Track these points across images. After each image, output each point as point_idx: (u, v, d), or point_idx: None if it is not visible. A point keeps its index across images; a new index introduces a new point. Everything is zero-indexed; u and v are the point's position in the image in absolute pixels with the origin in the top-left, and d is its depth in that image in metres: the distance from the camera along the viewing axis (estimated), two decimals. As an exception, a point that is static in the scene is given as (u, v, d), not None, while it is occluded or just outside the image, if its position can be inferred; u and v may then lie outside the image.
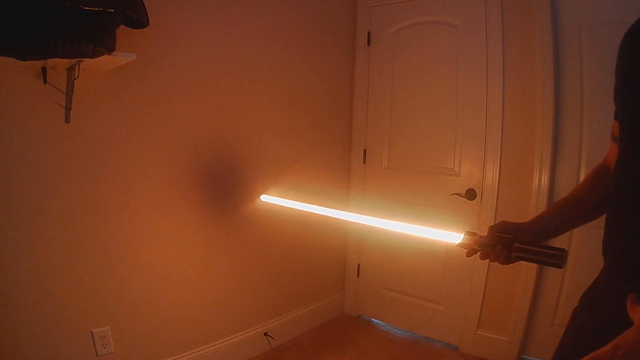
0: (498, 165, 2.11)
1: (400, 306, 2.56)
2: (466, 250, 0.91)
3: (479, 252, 0.88)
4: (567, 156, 1.99)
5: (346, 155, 2.66)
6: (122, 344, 1.68)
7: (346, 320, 2.72)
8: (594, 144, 1.91)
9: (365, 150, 2.62)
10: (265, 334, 2.24)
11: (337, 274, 2.75)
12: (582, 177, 1.95)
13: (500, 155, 2.10)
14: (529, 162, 2.03)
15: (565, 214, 0.90)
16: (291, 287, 2.41)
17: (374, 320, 2.71)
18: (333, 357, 2.24)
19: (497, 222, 0.89)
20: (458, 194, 2.22)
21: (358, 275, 2.74)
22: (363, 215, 1.40)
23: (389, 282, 2.60)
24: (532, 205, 2.02)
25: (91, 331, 1.59)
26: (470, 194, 2.19)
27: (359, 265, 2.73)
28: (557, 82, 1.95)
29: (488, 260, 0.86)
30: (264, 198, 2.06)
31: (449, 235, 1.01)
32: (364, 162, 2.63)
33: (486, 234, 0.87)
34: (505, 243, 0.83)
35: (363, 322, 2.70)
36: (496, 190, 2.12)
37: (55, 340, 1.50)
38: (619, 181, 0.74)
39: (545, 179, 1.99)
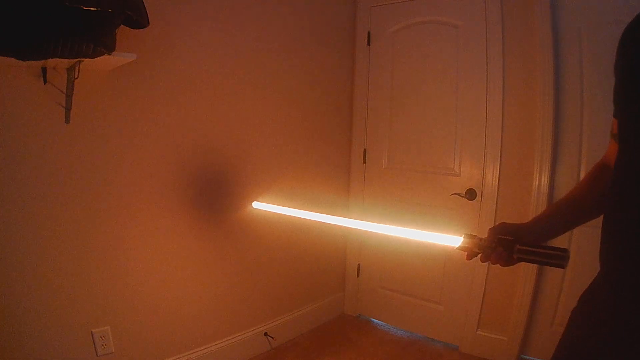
0: (498, 165, 2.11)
1: (400, 306, 2.56)
2: (466, 253, 0.90)
3: (479, 255, 0.87)
4: (567, 156, 1.99)
5: (346, 155, 2.66)
6: (122, 344, 1.68)
7: (346, 320, 2.72)
8: (594, 143, 1.91)
9: (365, 150, 2.62)
10: (265, 334, 2.24)
11: (337, 274, 2.75)
12: (582, 177, 1.94)
13: (500, 155, 2.10)
14: (529, 162, 2.03)
15: (566, 213, 0.89)
16: (291, 287, 2.41)
17: (374, 320, 2.71)
18: (333, 357, 2.24)
19: (497, 223, 0.87)
20: (458, 194, 2.22)
21: (358, 276, 2.74)
22: (359, 221, 1.37)
23: (389, 282, 2.60)
24: (532, 205, 2.02)
25: (91, 331, 1.59)
26: (470, 194, 2.19)
27: (359, 265, 2.73)
28: (557, 82, 1.95)
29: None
30: (256, 205, 2.03)
31: (448, 239, 1.00)
32: (364, 162, 2.63)
33: (486, 236, 0.86)
34: (506, 245, 0.82)
35: (363, 322, 2.70)
36: (496, 190, 2.12)
37: (55, 340, 1.50)
38: (619, 180, 0.73)
39: (545, 179, 1.99)
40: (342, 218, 1.44)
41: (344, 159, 2.66)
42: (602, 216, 0.79)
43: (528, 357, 2.15)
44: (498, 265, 0.84)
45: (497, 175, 2.12)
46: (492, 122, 2.11)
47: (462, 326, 2.31)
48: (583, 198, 0.89)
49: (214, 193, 1.95)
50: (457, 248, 0.93)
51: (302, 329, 2.49)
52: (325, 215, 1.49)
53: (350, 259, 2.76)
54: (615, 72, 0.75)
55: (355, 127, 2.64)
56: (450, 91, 2.24)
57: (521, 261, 0.82)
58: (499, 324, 2.18)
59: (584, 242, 1.91)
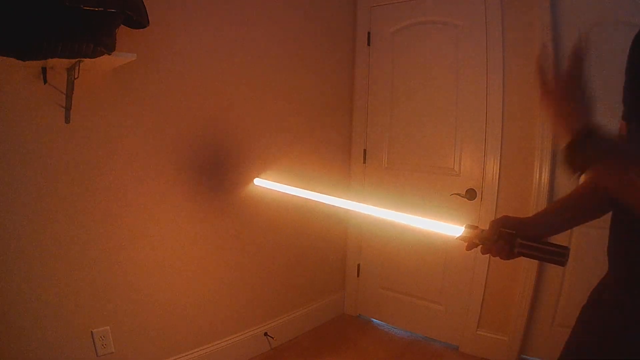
0: (498, 165, 2.11)
1: (400, 306, 2.56)
2: (466, 243, 0.89)
3: (479, 246, 0.86)
4: (567, 156, 1.99)
5: (346, 155, 2.66)
6: (122, 344, 1.68)
7: (346, 320, 2.72)
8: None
9: (365, 150, 2.62)
10: (265, 334, 2.24)
11: (337, 274, 2.75)
12: (582, 176, 1.94)
13: (500, 155, 2.10)
14: (528, 162, 2.03)
15: (570, 211, 0.89)
16: (291, 287, 2.41)
17: (374, 320, 2.71)
18: (333, 357, 2.24)
19: (498, 216, 0.87)
20: (458, 194, 2.22)
21: (358, 275, 2.74)
22: (362, 204, 1.38)
23: (389, 282, 2.60)
24: (532, 206, 2.02)
25: (91, 331, 1.59)
26: (470, 194, 2.19)
27: (359, 265, 2.73)
28: (557, 82, 1.95)
29: (488, 259, 0.85)
30: (258, 182, 2.03)
31: (449, 228, 1.00)
32: (364, 162, 2.63)
33: (488, 228, 0.85)
34: (507, 238, 0.81)
35: (363, 322, 2.70)
36: (496, 190, 2.12)
37: (55, 340, 1.50)
38: None
39: (545, 179, 1.99)
40: (343, 200, 1.45)
41: (344, 159, 2.65)
42: (604, 216, 0.79)
43: (528, 357, 2.15)
44: (498, 260, 0.83)
45: (497, 176, 2.12)
46: (492, 122, 2.11)
47: (462, 326, 2.31)
48: (589, 196, 0.88)
49: (212, 190, 1.95)
50: (457, 238, 0.92)
51: (302, 329, 2.48)
52: (326, 195, 1.49)
53: (350, 259, 2.76)
54: (627, 74, 0.74)
55: (355, 127, 2.64)
56: (450, 91, 2.24)
57: (521, 255, 0.81)
58: (499, 324, 2.18)
59: (583, 242, 1.90)
